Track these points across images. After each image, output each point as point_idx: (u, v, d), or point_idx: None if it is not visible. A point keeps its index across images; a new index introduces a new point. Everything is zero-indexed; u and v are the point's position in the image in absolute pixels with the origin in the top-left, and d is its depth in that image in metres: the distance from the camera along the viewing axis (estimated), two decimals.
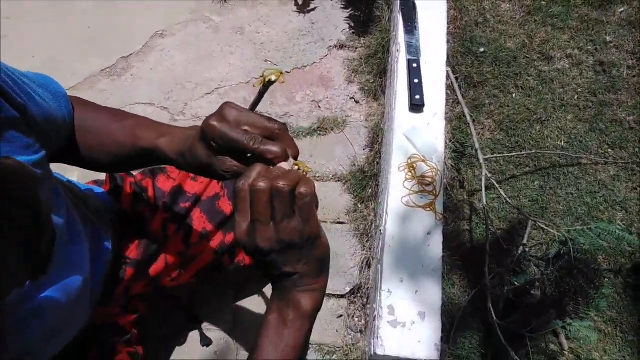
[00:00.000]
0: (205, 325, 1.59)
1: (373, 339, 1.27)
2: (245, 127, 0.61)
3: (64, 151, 0.80)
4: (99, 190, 1.19)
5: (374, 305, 1.35)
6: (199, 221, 1.31)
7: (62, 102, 0.78)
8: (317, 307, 0.66)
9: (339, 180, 1.87)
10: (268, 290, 1.67)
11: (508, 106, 1.99)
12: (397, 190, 1.41)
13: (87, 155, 0.83)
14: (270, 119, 0.63)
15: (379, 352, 1.25)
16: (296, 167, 0.61)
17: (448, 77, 1.62)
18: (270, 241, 0.58)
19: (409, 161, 1.45)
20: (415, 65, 1.56)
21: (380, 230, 1.45)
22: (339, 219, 1.80)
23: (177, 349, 1.58)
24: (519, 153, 1.90)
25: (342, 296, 1.67)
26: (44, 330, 0.74)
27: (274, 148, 0.60)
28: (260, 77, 0.66)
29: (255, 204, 0.57)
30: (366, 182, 1.82)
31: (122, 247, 1.20)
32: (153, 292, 1.32)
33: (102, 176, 1.21)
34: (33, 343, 0.73)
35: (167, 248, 1.28)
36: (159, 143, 0.74)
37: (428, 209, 1.38)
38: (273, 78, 0.65)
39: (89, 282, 0.87)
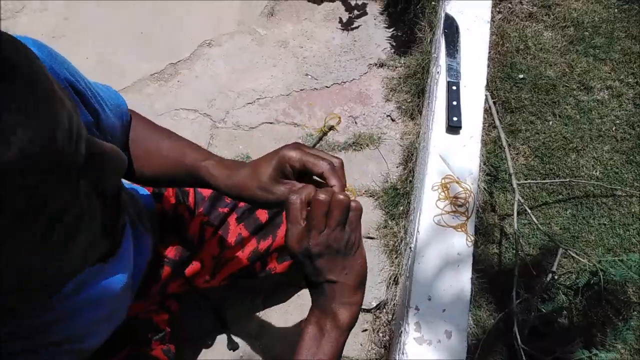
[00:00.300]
0: (233, 330, 1.63)
1: (398, 354, 1.28)
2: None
3: None
4: (143, 191, 1.25)
5: (400, 321, 1.37)
6: (234, 227, 1.36)
7: (123, 115, 0.85)
8: (353, 322, 0.71)
9: (370, 196, 1.89)
10: (294, 300, 1.70)
11: (544, 133, 2.00)
12: (429, 209, 1.43)
13: (133, 164, 0.88)
14: (331, 155, 0.72)
15: None
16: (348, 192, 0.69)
17: (486, 101, 1.64)
18: (320, 246, 0.65)
19: (443, 181, 1.47)
20: (454, 87, 1.59)
21: (411, 248, 1.47)
22: (368, 233, 1.82)
23: (204, 350, 1.61)
24: (552, 180, 1.90)
25: (368, 310, 1.69)
26: (89, 322, 0.79)
27: (337, 181, 0.68)
28: (324, 125, 0.74)
29: (315, 212, 0.64)
30: (398, 200, 1.84)
31: (161, 247, 1.25)
32: (187, 292, 1.37)
33: None
34: (75, 332, 0.77)
35: (203, 250, 1.32)
36: (205, 164, 0.80)
37: (459, 229, 1.40)
38: (333, 123, 0.74)
39: (131, 279, 0.92)
